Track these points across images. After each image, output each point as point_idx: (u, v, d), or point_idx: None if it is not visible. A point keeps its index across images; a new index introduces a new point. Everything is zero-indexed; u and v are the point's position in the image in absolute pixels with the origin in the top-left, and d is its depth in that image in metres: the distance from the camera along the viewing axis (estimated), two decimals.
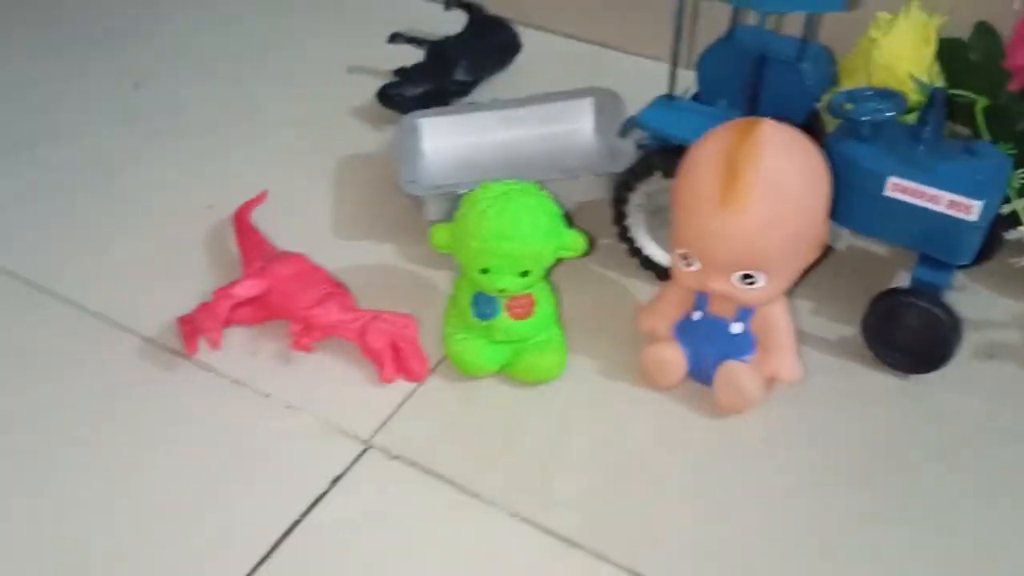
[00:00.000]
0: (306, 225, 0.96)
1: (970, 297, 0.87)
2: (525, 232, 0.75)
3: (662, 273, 0.89)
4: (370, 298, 0.88)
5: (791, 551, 0.70)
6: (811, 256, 0.73)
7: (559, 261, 0.78)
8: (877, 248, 0.92)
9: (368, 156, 1.05)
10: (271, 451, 0.76)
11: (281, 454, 0.76)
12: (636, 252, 0.90)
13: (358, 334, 0.82)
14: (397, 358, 0.82)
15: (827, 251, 0.85)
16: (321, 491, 0.73)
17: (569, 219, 0.79)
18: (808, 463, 0.75)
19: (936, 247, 0.79)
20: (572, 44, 1.20)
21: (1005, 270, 0.88)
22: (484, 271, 0.77)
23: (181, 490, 0.74)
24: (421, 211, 0.90)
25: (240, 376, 0.82)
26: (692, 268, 0.74)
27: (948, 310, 0.78)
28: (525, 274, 0.77)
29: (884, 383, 0.81)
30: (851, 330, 0.85)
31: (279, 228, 0.95)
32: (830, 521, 0.71)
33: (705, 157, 0.71)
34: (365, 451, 0.76)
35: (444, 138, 0.98)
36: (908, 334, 0.80)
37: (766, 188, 0.69)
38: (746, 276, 0.72)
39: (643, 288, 0.89)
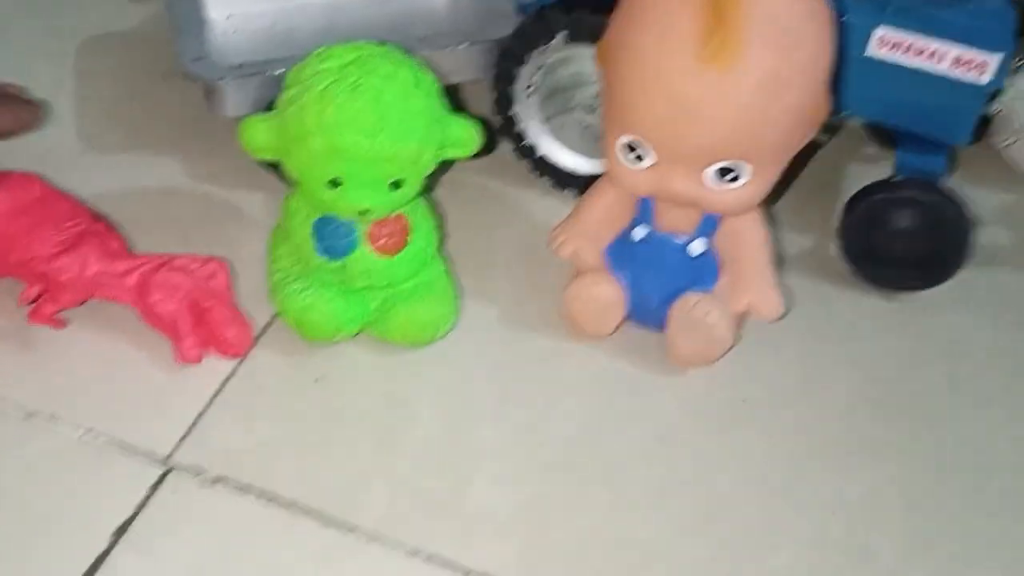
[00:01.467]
0: (44, 137, 0.65)
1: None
2: (397, 121, 0.49)
3: (564, 179, 0.65)
4: (150, 239, 0.59)
5: (794, 543, 0.49)
6: (807, 137, 0.52)
7: (440, 168, 0.53)
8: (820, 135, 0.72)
9: (124, 35, 0.74)
10: (10, 492, 0.47)
11: (26, 495, 0.47)
12: (527, 152, 0.65)
13: (135, 293, 0.54)
14: (201, 324, 0.54)
15: (829, 135, 0.64)
16: (100, 549, 0.45)
17: (452, 99, 0.53)
18: (794, 420, 0.55)
19: (930, 123, 0.60)
20: None
21: (983, 156, 0.70)
22: (334, 183, 0.50)
23: None
24: (212, 104, 0.62)
25: None
26: (643, 164, 0.51)
27: (952, 199, 0.60)
28: (396, 185, 0.51)
29: (870, 306, 0.62)
30: (811, 240, 0.65)
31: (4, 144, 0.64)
32: (827, 497, 0.52)
33: None
34: (164, 476, 0.49)
35: (239, 2, 0.69)
36: (901, 240, 0.60)
37: (768, 32, 0.46)
38: (725, 170, 0.50)
39: (542, 203, 0.65)
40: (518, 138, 0.65)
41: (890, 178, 0.61)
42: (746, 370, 0.57)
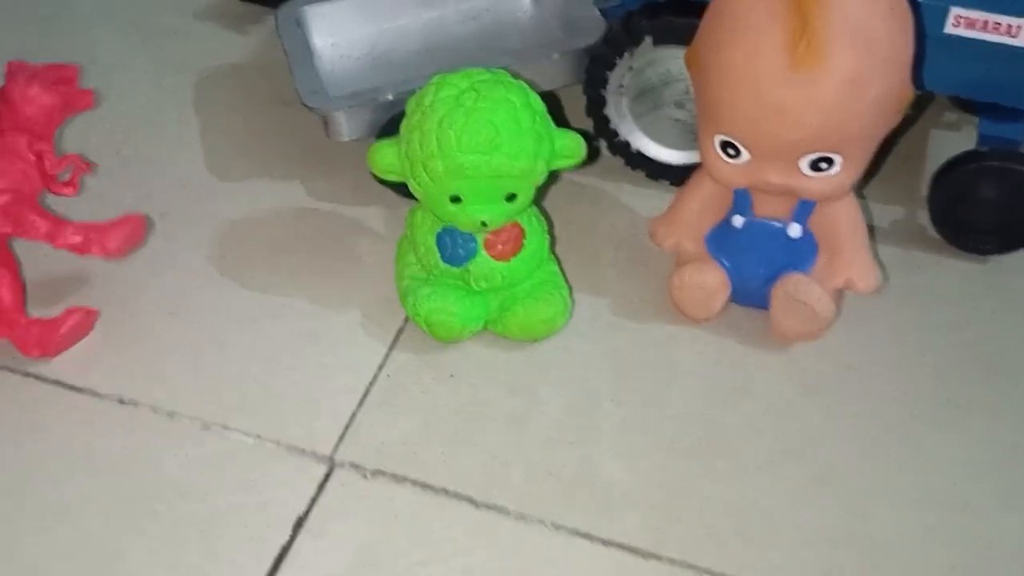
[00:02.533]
0: (174, 166, 0.72)
1: None
2: (509, 140, 0.53)
3: (658, 170, 0.69)
4: (283, 257, 0.66)
5: (900, 501, 0.53)
6: (894, 122, 0.55)
7: (551, 177, 0.58)
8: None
9: (236, 67, 0.80)
10: (194, 498, 0.54)
11: (210, 500, 0.54)
12: (621, 148, 0.69)
13: None
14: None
15: (917, 110, 0.67)
16: (283, 542, 0.52)
17: (556, 114, 0.58)
18: (894, 385, 0.59)
19: (1011, 93, 0.62)
20: None
21: None
22: (455, 200, 0.55)
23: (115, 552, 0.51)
24: (330, 131, 0.67)
25: (120, 390, 0.58)
26: (739, 160, 0.55)
27: None
28: (511, 198, 0.56)
29: (963, 271, 0.65)
30: (901, 211, 0.68)
31: (133, 174, 0.71)
32: (928, 455, 0.55)
33: (752, 3, 0.51)
34: (330, 473, 0.55)
35: (340, 30, 0.75)
36: (991, 207, 0.63)
37: (849, 35, 0.49)
38: (817, 161, 0.53)
39: (638, 195, 0.69)
40: (612, 135, 0.69)
41: (975, 149, 0.63)
42: (847, 342, 0.61)
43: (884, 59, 0.51)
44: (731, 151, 0.55)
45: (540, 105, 0.56)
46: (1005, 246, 0.64)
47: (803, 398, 0.58)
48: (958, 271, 0.65)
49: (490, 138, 0.53)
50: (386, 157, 0.56)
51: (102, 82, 0.77)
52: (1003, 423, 0.57)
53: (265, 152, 0.73)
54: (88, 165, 0.60)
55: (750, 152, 0.54)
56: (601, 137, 0.70)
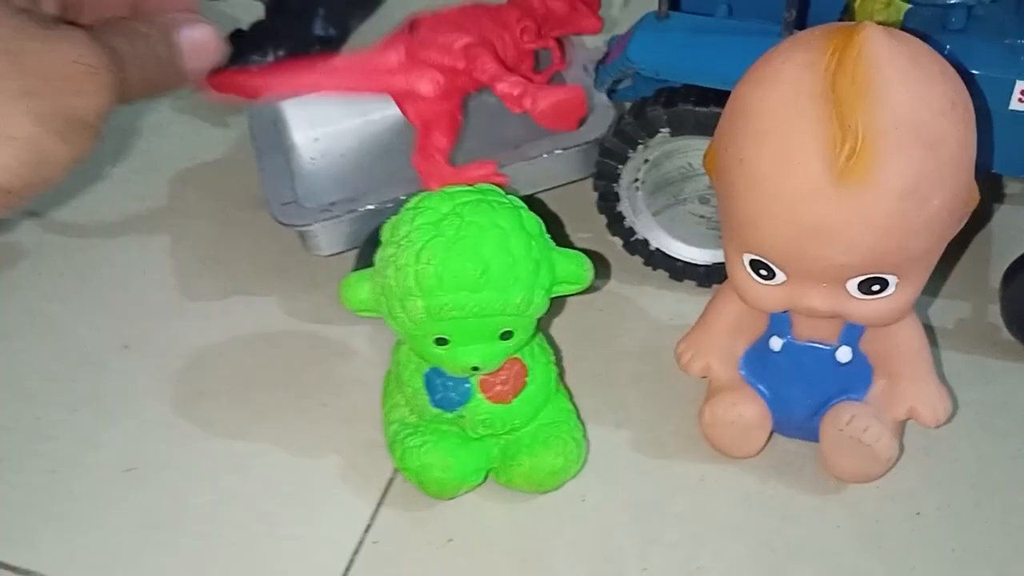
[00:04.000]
0: (137, 285, 0.64)
1: None
2: (499, 273, 0.45)
3: (681, 270, 0.61)
4: (256, 386, 0.58)
5: None
6: (958, 228, 0.46)
7: (554, 303, 0.49)
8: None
9: (212, 165, 0.73)
10: None
11: None
12: (639, 247, 0.61)
13: None
14: None
15: (982, 216, 0.58)
16: None
17: (556, 231, 0.50)
18: (974, 532, 0.49)
19: None
20: None
21: None
22: (440, 342, 0.47)
23: None
24: (307, 245, 0.60)
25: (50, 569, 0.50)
26: (774, 281, 0.46)
27: None
28: (506, 336, 0.47)
29: None
30: (968, 309, 0.59)
31: (94, 292, 0.63)
32: None
33: (780, 102, 0.42)
34: None
35: (322, 124, 0.67)
36: None
37: (903, 139, 0.40)
38: (870, 282, 0.44)
39: (661, 299, 0.61)
40: (628, 233, 0.61)
41: None
42: (916, 478, 0.51)
43: (947, 163, 0.42)
44: (764, 272, 0.46)
45: (536, 226, 0.47)
46: None
47: (865, 550, 0.49)
48: None
49: (477, 273, 0.45)
50: (359, 293, 0.48)
51: (63, 196, 0.70)
52: None
53: (239, 264, 0.65)
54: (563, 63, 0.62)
55: (786, 274, 0.45)
56: (615, 236, 0.61)
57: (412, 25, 0.58)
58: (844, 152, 0.40)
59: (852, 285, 0.45)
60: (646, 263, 0.62)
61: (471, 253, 0.45)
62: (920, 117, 0.41)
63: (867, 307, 0.45)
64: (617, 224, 0.61)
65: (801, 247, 0.43)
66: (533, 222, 0.47)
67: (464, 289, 0.45)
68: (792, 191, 0.42)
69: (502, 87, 0.55)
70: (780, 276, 0.46)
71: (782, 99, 0.42)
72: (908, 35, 0.43)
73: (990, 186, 0.65)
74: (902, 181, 0.41)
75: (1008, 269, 0.55)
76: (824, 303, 0.45)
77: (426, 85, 0.57)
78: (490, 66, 0.56)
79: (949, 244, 0.45)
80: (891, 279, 0.44)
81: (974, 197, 0.45)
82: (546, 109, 0.54)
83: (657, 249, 0.61)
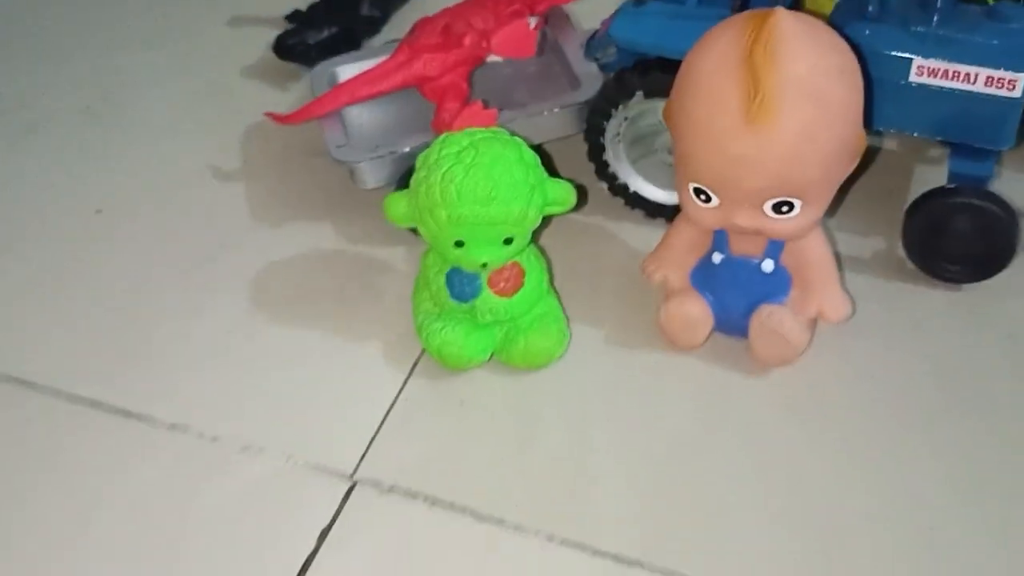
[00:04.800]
0: (219, 214, 0.80)
1: (1006, 186, 0.76)
2: (504, 192, 0.60)
3: (654, 209, 0.76)
4: (313, 295, 0.73)
5: (877, 514, 0.59)
6: (850, 168, 0.61)
7: (546, 220, 0.64)
8: (889, 142, 0.81)
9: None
10: (232, 511, 0.61)
11: (246, 513, 0.61)
12: (621, 190, 0.76)
13: None
14: None
15: (867, 160, 0.73)
16: (309, 551, 0.59)
17: (549, 166, 0.65)
18: (873, 407, 0.64)
19: (974, 133, 0.68)
20: None
21: None
22: (459, 244, 0.62)
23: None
24: (356, 180, 0.75)
25: (176, 418, 0.66)
26: (711, 204, 0.61)
27: (1001, 202, 0.67)
28: (508, 241, 0.62)
29: (937, 300, 0.70)
30: (882, 242, 0.73)
31: (185, 222, 0.79)
32: (913, 469, 0.61)
33: (713, 66, 0.57)
34: (351, 489, 0.62)
35: None
36: (959, 239, 0.68)
37: (798, 93, 0.55)
38: (780, 204, 0.59)
39: (638, 232, 0.76)
40: (612, 178, 0.76)
41: (945, 185, 0.69)
42: (826, 367, 0.66)
43: (834, 114, 0.57)
44: (703, 197, 0.61)
45: (533, 159, 0.62)
46: (974, 276, 0.69)
47: (782, 420, 0.64)
48: (933, 299, 0.70)
49: (487, 191, 0.60)
50: (399, 207, 0.64)
51: (151, 146, 0.86)
52: (977, 448, 0.62)
53: (301, 199, 0.81)
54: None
55: (719, 198, 0.60)
56: (602, 180, 0.76)
57: (412, 28, 0.77)
58: (755, 103, 0.55)
59: (767, 207, 0.59)
60: (626, 203, 0.76)
61: (483, 175, 0.60)
62: (813, 79, 0.56)
63: (779, 225, 0.60)
64: (603, 171, 0.76)
65: (725, 174, 0.58)
66: (531, 155, 0.62)
67: (477, 203, 0.60)
68: (718, 132, 0.57)
69: (467, 40, 0.74)
70: (715, 200, 0.61)
71: (713, 64, 0.57)
72: (812, 18, 0.58)
73: (913, 148, 0.80)
74: (797, 126, 0.55)
75: (909, 206, 0.69)
76: (747, 221, 0.60)
77: (424, 67, 0.74)
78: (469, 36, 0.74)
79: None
80: (796, 202, 0.59)
81: (861, 144, 0.59)
82: (500, 41, 0.73)
83: (635, 192, 0.76)
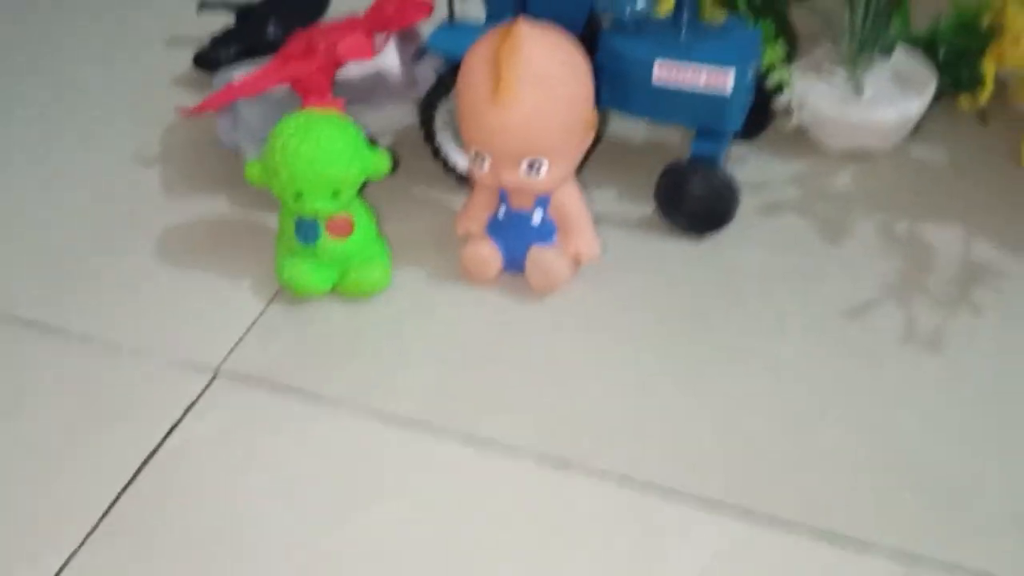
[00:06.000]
0: (138, 191, 1.01)
1: (752, 164, 0.96)
2: (328, 154, 0.81)
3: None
4: (209, 247, 0.93)
5: (619, 394, 0.78)
6: (587, 138, 0.81)
7: (369, 181, 0.85)
8: (671, 132, 1.01)
9: (194, 118, 1.10)
10: (123, 395, 0.81)
11: (134, 395, 0.81)
12: (450, 168, 0.96)
13: None
14: None
15: (600, 134, 0.93)
16: (175, 419, 0.79)
17: (373, 141, 0.85)
18: (619, 322, 0.84)
19: (706, 119, 0.88)
20: None
21: (780, 137, 0.98)
22: (298, 195, 0.82)
23: (33, 446, 0.78)
24: (243, 159, 0.96)
25: (86, 330, 0.86)
26: (485, 166, 0.81)
27: (724, 174, 0.88)
28: (336, 194, 0.83)
29: (679, 247, 0.90)
30: (650, 209, 0.94)
31: (112, 197, 1.00)
32: (652, 366, 0.81)
33: (475, 62, 0.78)
34: (215, 378, 0.82)
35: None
36: (693, 200, 0.89)
37: (530, 81, 0.76)
38: (531, 164, 0.80)
39: (459, 197, 0.96)
40: (443, 159, 0.96)
41: (684, 158, 0.89)
42: (584, 294, 0.86)
43: (562, 96, 0.77)
44: (479, 160, 0.81)
45: (355, 133, 0.83)
46: (704, 229, 0.90)
47: (558, 332, 0.84)
48: (674, 245, 0.90)
49: (315, 153, 0.80)
50: (254, 171, 0.84)
51: (95, 133, 1.07)
52: (708, 354, 0.82)
53: (204, 177, 1.01)
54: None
55: (489, 161, 0.81)
56: (437, 159, 0.97)
57: (286, 42, 0.99)
58: (500, 88, 0.76)
59: (523, 166, 0.80)
60: (456, 180, 0.97)
61: (313, 142, 0.80)
62: (543, 70, 0.76)
63: (535, 181, 0.81)
64: (437, 153, 0.96)
65: (485, 141, 0.79)
66: (354, 130, 0.83)
67: (307, 164, 0.80)
68: (478, 109, 0.77)
69: (320, 48, 0.94)
70: (488, 162, 0.81)
71: (475, 60, 0.78)
72: (547, 26, 0.79)
73: (669, 131, 1.00)
74: (528, 105, 0.76)
75: (660, 173, 0.90)
76: (511, 178, 0.81)
77: (292, 70, 0.94)
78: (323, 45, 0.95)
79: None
80: (544, 161, 0.79)
81: (592, 123, 0.80)
82: (343, 49, 0.93)
83: (454, 166, 0.96)
